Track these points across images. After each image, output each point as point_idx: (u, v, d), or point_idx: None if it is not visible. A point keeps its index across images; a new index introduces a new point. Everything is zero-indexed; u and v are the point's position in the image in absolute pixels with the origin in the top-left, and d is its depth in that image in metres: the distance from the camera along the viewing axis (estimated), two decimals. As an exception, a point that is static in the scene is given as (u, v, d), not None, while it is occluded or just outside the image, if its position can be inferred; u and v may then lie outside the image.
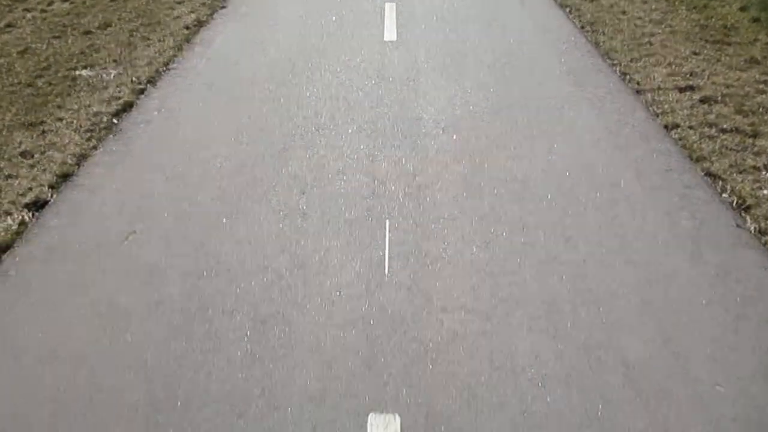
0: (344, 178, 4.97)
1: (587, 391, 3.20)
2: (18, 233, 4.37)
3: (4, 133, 5.60)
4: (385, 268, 4.00)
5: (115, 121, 5.90)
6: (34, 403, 3.14)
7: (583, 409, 3.11)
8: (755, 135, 5.47)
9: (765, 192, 4.72)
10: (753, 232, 4.37)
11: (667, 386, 3.24)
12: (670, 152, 5.36)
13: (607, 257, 4.11)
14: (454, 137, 5.58)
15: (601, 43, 7.57)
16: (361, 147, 5.41)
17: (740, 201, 4.67)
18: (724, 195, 4.77)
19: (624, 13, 8.56)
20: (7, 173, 5.02)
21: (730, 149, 5.29)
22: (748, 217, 4.51)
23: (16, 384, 3.25)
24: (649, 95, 6.29)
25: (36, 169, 5.11)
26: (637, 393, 3.20)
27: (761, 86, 6.32)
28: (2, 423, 3.04)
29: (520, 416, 3.06)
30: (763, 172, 4.95)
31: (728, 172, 4.98)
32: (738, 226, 4.45)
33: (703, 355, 3.41)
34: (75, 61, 7.17)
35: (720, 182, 4.90)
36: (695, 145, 5.36)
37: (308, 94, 6.43)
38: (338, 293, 3.81)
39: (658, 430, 3.01)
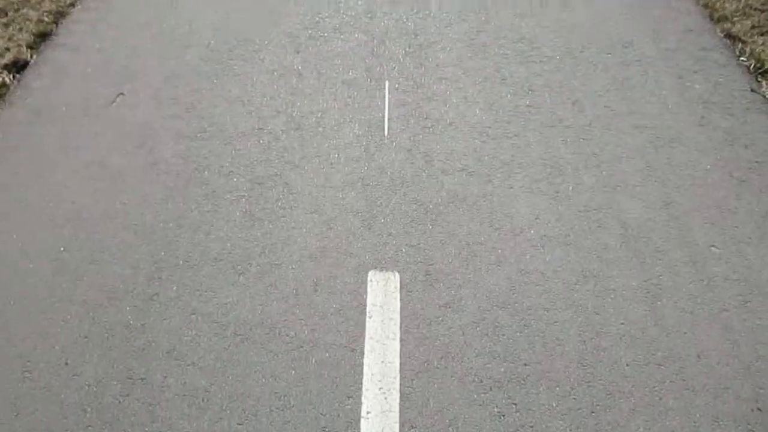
0: (341, 36, 4.67)
1: (585, 251, 3.23)
2: (0, 96, 4.17)
3: (-29, -14, 5.17)
4: (384, 130, 3.87)
5: (91, -27, 5.41)
6: (35, 262, 3.15)
7: (580, 267, 3.15)
8: (783, -8, 5.09)
9: (785, 54, 4.48)
10: None
11: (663, 247, 3.26)
12: (689, 12, 5.01)
13: (614, 121, 3.98)
14: (459, -7, 5.18)
15: None
16: (359, 3, 5.03)
17: (758, 64, 4.44)
18: (742, 58, 4.53)
19: None
20: (-20, 30, 4.70)
21: (755, 9, 4.94)
22: (764, 82, 4.31)
23: (14, 245, 3.25)
24: (672, -53, 5.76)
25: (11, 28, 4.77)
26: (633, 253, 3.23)
27: (795, -63, 5.79)
28: (7, 280, 3.07)
29: (518, 274, 3.11)
30: (786, 33, 4.67)
31: (749, 34, 4.69)
32: (753, 90, 4.26)
33: (701, 219, 3.41)
34: None
35: (739, 44, 4.63)
36: (717, 4, 5.00)
37: (300, -56, 5.87)
38: (336, 155, 3.71)
39: (651, 288, 3.08)
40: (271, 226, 3.31)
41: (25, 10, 4.96)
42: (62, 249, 3.21)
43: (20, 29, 4.76)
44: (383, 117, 3.96)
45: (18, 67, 4.42)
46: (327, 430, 2.54)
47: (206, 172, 3.61)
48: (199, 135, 3.85)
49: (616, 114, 4.03)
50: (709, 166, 3.70)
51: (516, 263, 3.16)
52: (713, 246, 3.27)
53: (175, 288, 3.03)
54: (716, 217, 3.41)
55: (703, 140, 3.87)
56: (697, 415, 2.62)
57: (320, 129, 3.89)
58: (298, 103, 4.08)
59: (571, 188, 3.54)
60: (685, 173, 3.65)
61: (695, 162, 3.72)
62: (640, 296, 3.04)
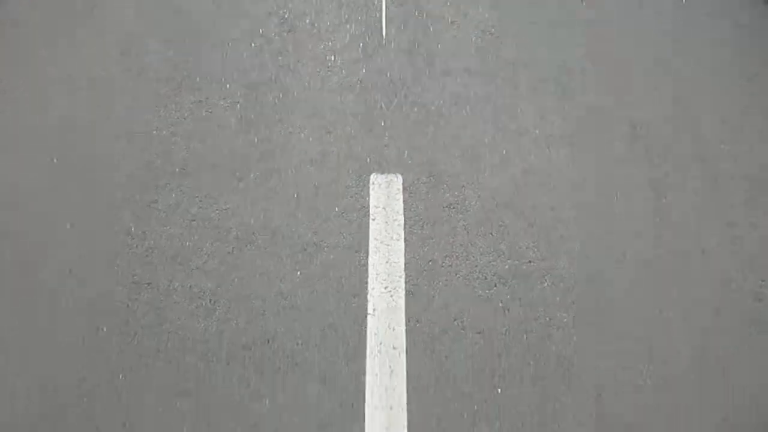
0: (333, -69, 4.37)
1: (591, 150, 3.16)
2: (-26, 4, 3.93)
3: None
4: (382, 31, 3.69)
5: None
6: (29, 174, 3.08)
7: (586, 166, 3.09)
8: None
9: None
10: (784, -13, 4.00)
11: (672, 145, 3.19)
12: None
13: (624, 16, 3.79)
14: None
15: None
16: None
17: (776, -47, 4.19)
18: (758, -53, 4.26)
19: None
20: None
21: None
22: (780, -28, 4.08)
23: (8, 158, 3.16)
24: None
25: (-21, -70, 4.44)
26: (641, 151, 3.16)
27: None
28: (3, 195, 3.01)
29: (522, 174, 3.06)
30: None
31: None
32: (769, -19, 4.05)
33: (712, 116, 3.32)
34: None
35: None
36: None
37: None
38: (333, 57, 3.55)
39: (659, 186, 3.04)
40: (268, 131, 3.22)
41: None
42: (56, 161, 3.13)
43: (-11, -68, 4.43)
44: (380, 17, 3.77)
45: (-10, -27, 4.15)
46: (334, 326, 2.56)
47: (197, 79, 3.47)
48: (187, 40, 3.67)
49: (626, 8, 3.83)
50: (721, 62, 3.56)
51: (521, 163, 3.10)
52: (722, 144, 3.21)
53: (173, 195, 2.98)
54: (727, 115, 3.33)
55: (716, 34, 3.70)
56: (699, 306, 2.65)
57: (315, 31, 3.71)
58: (290, 5, 3.86)
59: (578, 87, 3.42)
60: (697, 69, 3.53)
61: (708, 57, 3.58)
62: (646, 194, 3.00)
